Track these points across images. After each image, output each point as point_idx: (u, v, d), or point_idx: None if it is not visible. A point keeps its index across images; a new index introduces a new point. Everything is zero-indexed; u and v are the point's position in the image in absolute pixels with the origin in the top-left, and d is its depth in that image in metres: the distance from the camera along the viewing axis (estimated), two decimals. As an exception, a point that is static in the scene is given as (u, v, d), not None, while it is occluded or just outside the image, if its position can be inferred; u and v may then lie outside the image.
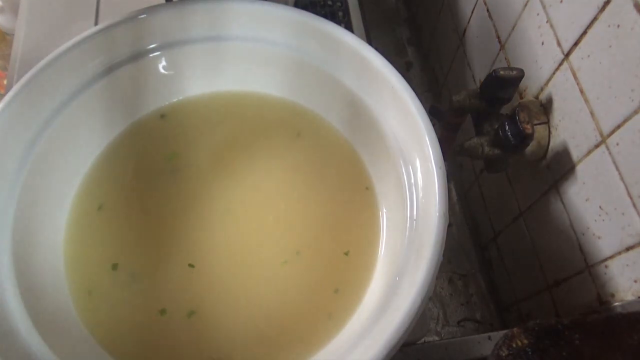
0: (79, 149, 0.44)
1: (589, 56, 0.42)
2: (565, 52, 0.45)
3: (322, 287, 0.40)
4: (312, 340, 0.37)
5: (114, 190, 0.43)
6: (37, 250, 0.39)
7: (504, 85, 0.47)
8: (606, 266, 0.44)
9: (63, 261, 0.40)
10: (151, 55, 0.45)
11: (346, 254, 0.41)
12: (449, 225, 0.76)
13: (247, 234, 0.42)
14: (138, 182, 0.44)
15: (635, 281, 0.41)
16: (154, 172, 0.45)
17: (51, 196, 0.41)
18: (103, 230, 0.42)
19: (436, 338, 0.69)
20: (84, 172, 0.44)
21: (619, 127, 0.39)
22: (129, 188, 0.44)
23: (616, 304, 0.43)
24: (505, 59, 0.56)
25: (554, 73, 0.47)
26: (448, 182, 0.35)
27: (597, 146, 0.42)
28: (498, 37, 0.58)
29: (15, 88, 0.38)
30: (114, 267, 0.40)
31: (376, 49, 0.41)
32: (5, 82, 0.62)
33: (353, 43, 0.41)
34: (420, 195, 0.36)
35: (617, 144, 0.40)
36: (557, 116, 0.47)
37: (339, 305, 0.39)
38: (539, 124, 0.48)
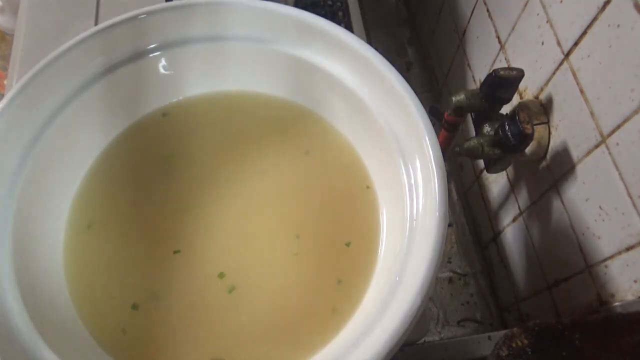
0: (79, 150, 0.44)
1: (589, 56, 0.42)
2: (565, 52, 0.45)
3: (324, 278, 0.40)
4: (315, 337, 0.37)
5: (103, 206, 0.43)
6: (38, 251, 0.39)
7: (504, 85, 0.47)
8: (606, 266, 0.44)
9: (63, 264, 0.40)
10: (151, 55, 0.45)
11: (347, 244, 0.41)
12: (449, 225, 0.76)
13: (248, 232, 0.42)
14: (132, 192, 0.44)
15: (635, 281, 0.41)
16: (151, 174, 0.45)
17: (50, 199, 0.41)
18: (92, 250, 0.41)
19: (436, 338, 0.69)
20: (81, 175, 0.44)
21: (619, 127, 0.39)
22: (119, 202, 0.43)
23: (616, 304, 0.43)
24: (505, 59, 0.56)
25: (554, 73, 0.47)
26: (448, 182, 0.35)
27: (597, 146, 0.42)
28: (498, 37, 0.58)
29: (15, 88, 0.38)
30: (111, 267, 0.40)
31: (376, 49, 0.41)
32: (5, 82, 0.62)
33: (353, 43, 0.41)
34: (420, 195, 0.36)
35: (617, 144, 0.40)
36: (557, 116, 0.47)
37: (342, 299, 0.39)
38: (539, 124, 0.48)
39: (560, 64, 0.46)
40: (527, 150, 0.49)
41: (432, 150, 0.36)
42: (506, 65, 0.56)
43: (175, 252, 0.41)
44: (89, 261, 0.41)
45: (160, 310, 0.39)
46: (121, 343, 0.38)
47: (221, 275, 0.40)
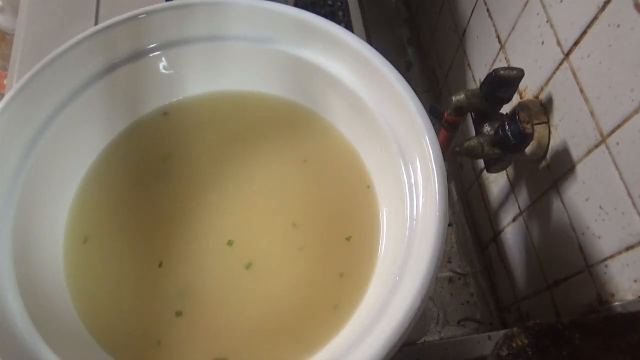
0: (79, 150, 0.44)
1: (589, 56, 0.42)
2: (565, 52, 0.45)
3: (327, 272, 0.40)
4: (316, 336, 0.37)
5: (99, 217, 0.43)
6: (37, 251, 0.39)
7: (504, 85, 0.47)
8: (606, 266, 0.44)
9: (63, 266, 0.40)
10: (151, 55, 0.45)
11: (348, 239, 0.41)
12: (449, 225, 0.76)
13: (251, 229, 0.42)
14: (131, 194, 0.44)
15: (635, 281, 0.41)
16: (151, 175, 0.45)
17: (50, 201, 0.41)
18: (92, 263, 0.41)
19: (436, 338, 0.69)
20: (81, 175, 0.44)
21: (619, 127, 0.39)
22: (116, 210, 0.43)
23: (616, 303, 0.43)
24: (505, 59, 0.56)
25: (554, 73, 0.47)
26: (448, 182, 0.35)
27: (597, 146, 0.42)
28: (498, 37, 0.58)
29: (15, 88, 0.38)
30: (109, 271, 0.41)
31: (376, 49, 0.41)
32: (5, 82, 0.62)
33: (353, 43, 0.41)
34: (420, 195, 0.36)
35: (617, 144, 0.40)
36: (557, 116, 0.47)
37: (343, 295, 0.39)
38: (539, 123, 0.48)
39: (560, 63, 0.46)
40: (527, 150, 0.49)
41: (432, 150, 0.36)
42: (506, 65, 0.56)
43: (160, 265, 0.41)
44: (90, 274, 0.41)
45: (177, 317, 0.39)
46: (121, 342, 0.38)
47: (225, 275, 0.40)
